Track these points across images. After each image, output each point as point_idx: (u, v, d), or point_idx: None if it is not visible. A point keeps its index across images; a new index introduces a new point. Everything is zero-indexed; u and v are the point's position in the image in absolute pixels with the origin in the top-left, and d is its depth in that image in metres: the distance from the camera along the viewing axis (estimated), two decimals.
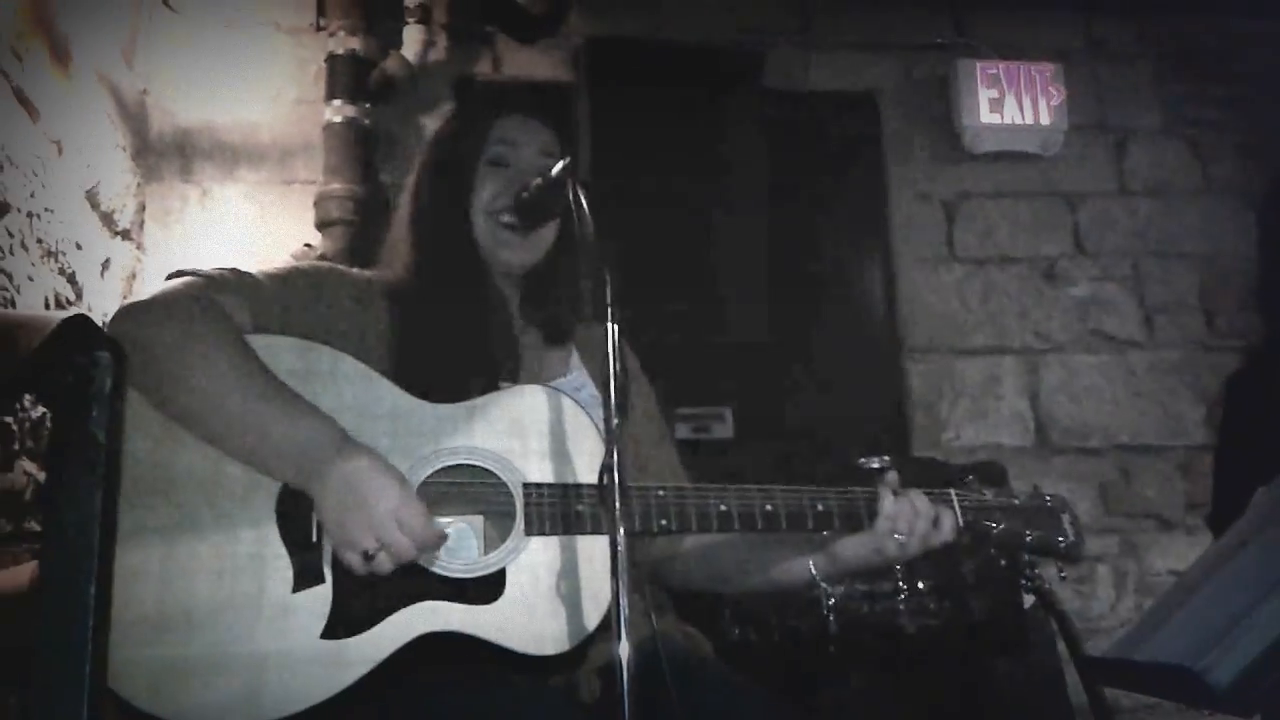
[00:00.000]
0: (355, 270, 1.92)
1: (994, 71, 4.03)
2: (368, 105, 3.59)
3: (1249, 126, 4.26)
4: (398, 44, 3.67)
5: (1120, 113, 4.29)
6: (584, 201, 1.63)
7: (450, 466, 1.64)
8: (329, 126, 3.55)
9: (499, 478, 1.65)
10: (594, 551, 1.62)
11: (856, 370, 3.92)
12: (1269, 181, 3.95)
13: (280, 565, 1.54)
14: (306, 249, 3.44)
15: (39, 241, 2.59)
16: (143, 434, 1.55)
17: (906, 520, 1.75)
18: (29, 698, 1.17)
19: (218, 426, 1.55)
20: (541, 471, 1.67)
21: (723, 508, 1.72)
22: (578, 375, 1.96)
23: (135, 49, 3.44)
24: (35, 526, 2.43)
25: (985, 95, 4.01)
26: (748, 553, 1.91)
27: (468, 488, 1.65)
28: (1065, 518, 1.89)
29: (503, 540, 1.62)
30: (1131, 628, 2.01)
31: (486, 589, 1.58)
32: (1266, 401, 2.99)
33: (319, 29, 3.72)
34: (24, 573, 2.17)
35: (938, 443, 3.87)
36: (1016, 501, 1.88)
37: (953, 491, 1.84)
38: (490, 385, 1.75)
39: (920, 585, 2.62)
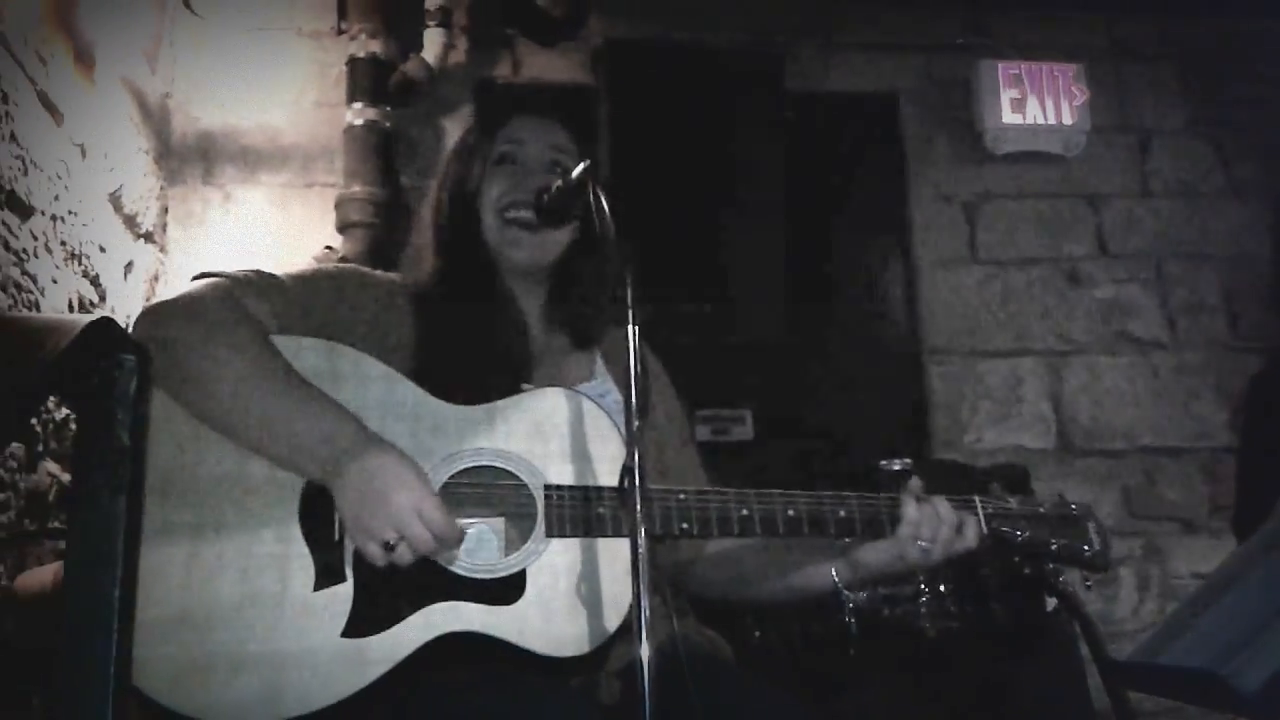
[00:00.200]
0: (379, 272, 1.93)
1: (1016, 72, 4.02)
2: (388, 108, 3.61)
3: (1273, 127, 4.23)
4: (418, 47, 3.68)
5: (1143, 113, 4.27)
6: (604, 203, 1.63)
7: (472, 468, 1.65)
8: (350, 129, 3.56)
9: (520, 479, 1.65)
10: (614, 554, 1.62)
11: (876, 372, 3.91)
12: None
13: (302, 564, 1.55)
14: (327, 251, 3.45)
15: (63, 244, 2.61)
16: (168, 434, 1.56)
17: (930, 527, 1.73)
18: (52, 698, 1.18)
19: (243, 423, 1.56)
20: (562, 474, 1.67)
21: (744, 512, 1.72)
22: (602, 381, 1.95)
23: (158, 53, 3.46)
24: (59, 526, 2.45)
25: (1007, 96, 4.00)
26: (769, 558, 1.89)
27: (489, 489, 1.65)
28: (1091, 526, 1.86)
29: (523, 542, 1.63)
30: (1155, 631, 1.99)
31: (507, 590, 1.58)
32: None
33: (340, 32, 3.74)
34: (47, 573, 2.19)
35: (959, 445, 3.86)
36: (1042, 509, 1.86)
37: (977, 498, 1.82)
38: (511, 387, 1.75)
39: (941, 588, 2.60)
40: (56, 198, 2.56)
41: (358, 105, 3.56)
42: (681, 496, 1.71)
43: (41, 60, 2.47)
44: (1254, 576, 1.81)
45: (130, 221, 3.13)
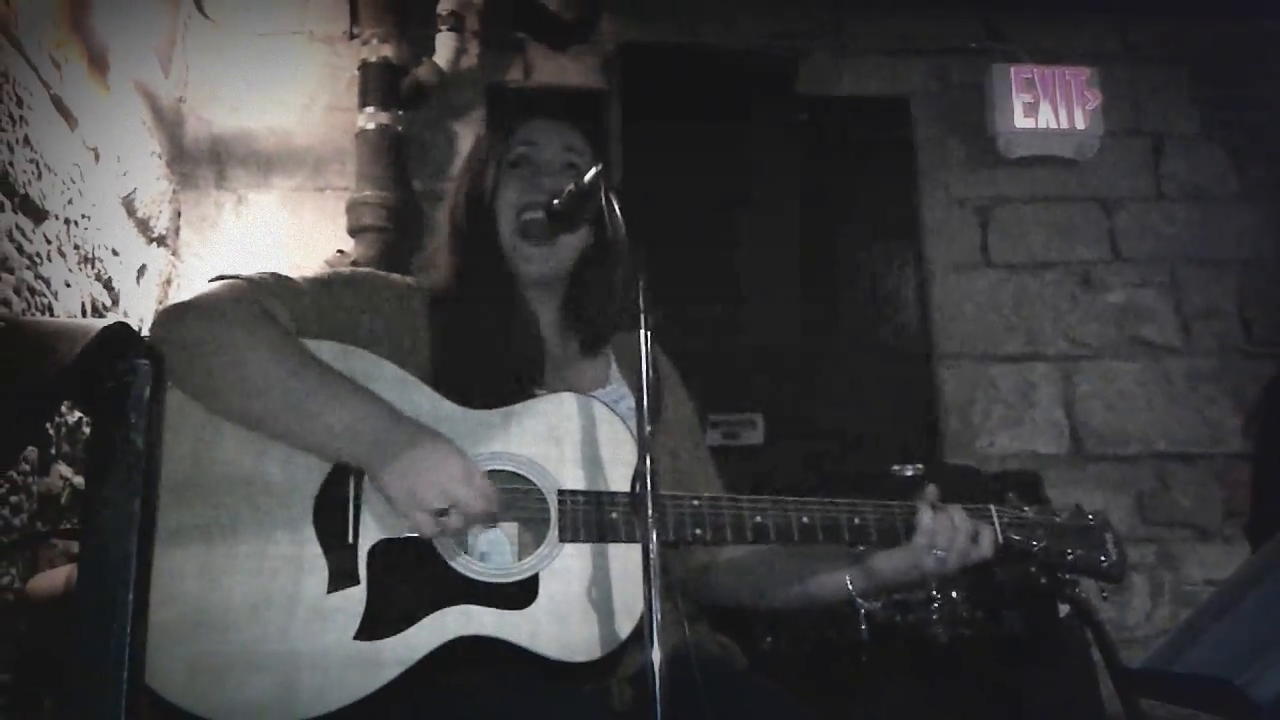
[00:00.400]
0: (395, 276, 1.93)
1: (1029, 76, 4.01)
2: (400, 112, 3.62)
3: None
4: (430, 51, 3.69)
5: (1156, 117, 4.25)
6: (617, 208, 1.63)
7: (485, 472, 1.64)
8: (362, 133, 3.57)
9: (534, 484, 1.65)
10: (627, 560, 1.62)
11: (888, 376, 3.90)
12: None
13: (316, 566, 1.55)
14: (339, 255, 3.46)
15: (76, 248, 2.62)
16: (184, 435, 1.56)
17: (945, 536, 1.72)
18: (64, 700, 1.18)
19: (272, 413, 1.57)
20: (576, 479, 1.67)
21: (758, 519, 1.72)
22: (617, 387, 1.95)
23: (171, 57, 3.47)
24: (72, 528, 2.45)
25: (1020, 100, 3.99)
26: (784, 565, 1.88)
27: (503, 493, 1.65)
28: (1108, 537, 1.85)
29: (536, 546, 1.63)
30: (1168, 638, 1.98)
31: (519, 594, 1.58)
32: None
33: (352, 37, 3.75)
34: (60, 576, 2.20)
35: (970, 449, 3.84)
36: (1058, 519, 1.84)
37: (993, 507, 1.81)
38: (525, 392, 1.75)
39: (954, 594, 2.59)
40: (70, 202, 2.57)
41: (370, 109, 3.57)
42: (695, 502, 1.71)
43: (55, 65, 2.48)
44: (1271, 585, 1.80)
45: (143, 225, 3.14)
